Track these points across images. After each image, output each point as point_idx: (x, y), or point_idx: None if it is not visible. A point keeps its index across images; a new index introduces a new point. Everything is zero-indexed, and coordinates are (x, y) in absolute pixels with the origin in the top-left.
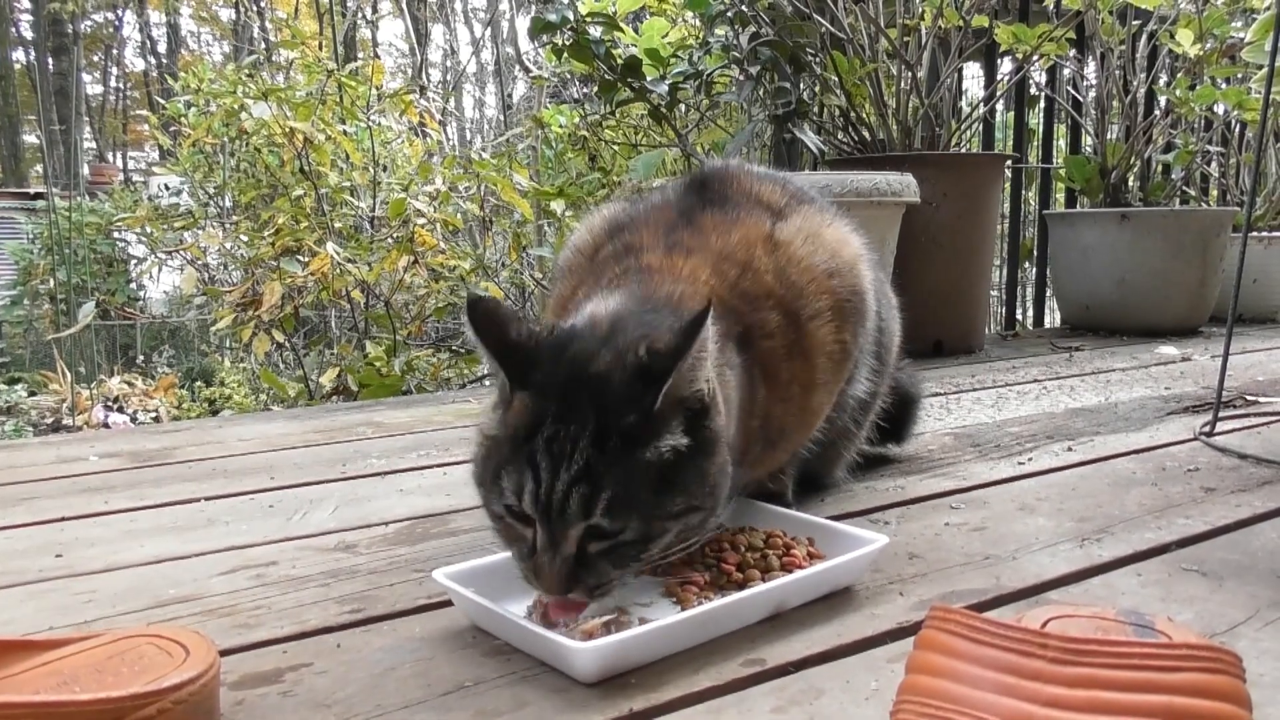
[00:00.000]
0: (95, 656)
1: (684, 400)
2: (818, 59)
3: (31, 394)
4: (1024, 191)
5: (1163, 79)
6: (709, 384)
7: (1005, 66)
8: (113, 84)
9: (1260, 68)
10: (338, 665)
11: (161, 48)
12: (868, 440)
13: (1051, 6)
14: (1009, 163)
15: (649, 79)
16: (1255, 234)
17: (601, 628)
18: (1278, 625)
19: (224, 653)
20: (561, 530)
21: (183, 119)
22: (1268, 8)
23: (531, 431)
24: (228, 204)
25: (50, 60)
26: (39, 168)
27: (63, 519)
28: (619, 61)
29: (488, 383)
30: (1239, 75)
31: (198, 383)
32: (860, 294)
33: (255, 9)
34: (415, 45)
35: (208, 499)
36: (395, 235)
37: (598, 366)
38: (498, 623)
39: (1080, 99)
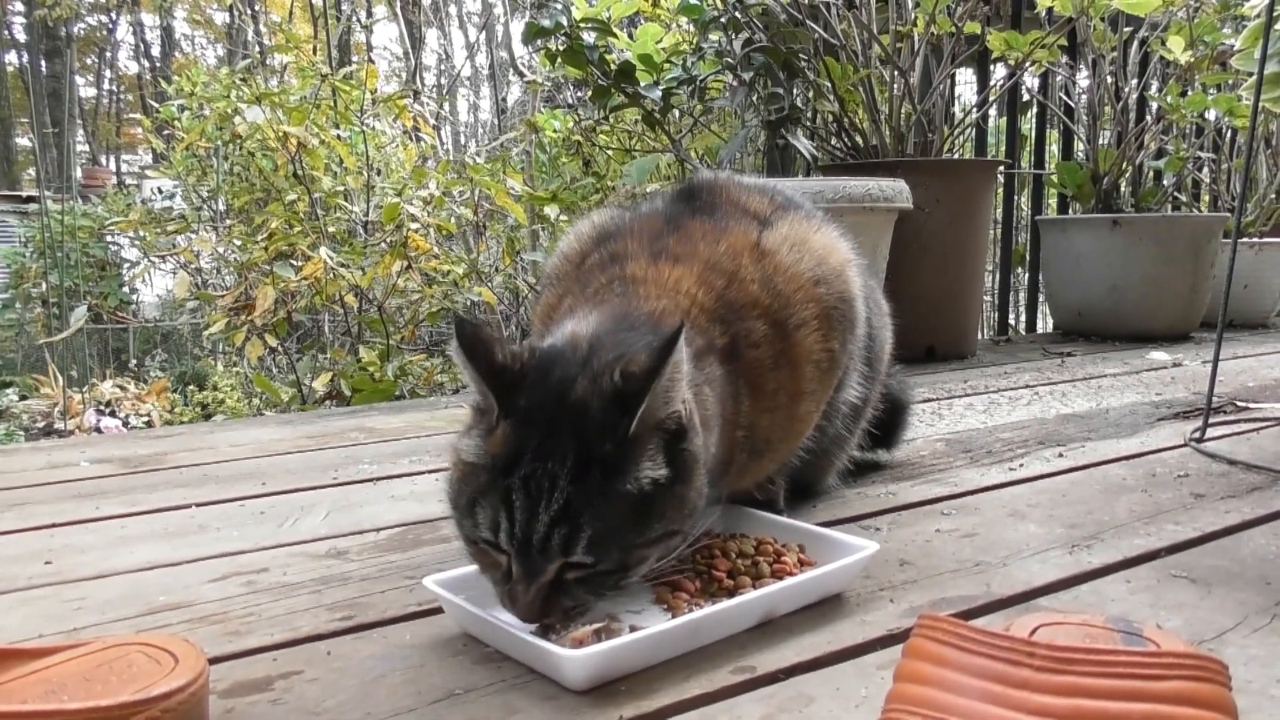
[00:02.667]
0: (84, 665)
1: (660, 423)
2: (811, 65)
3: (23, 398)
4: (1016, 197)
5: (1154, 85)
6: (685, 405)
7: (998, 73)
8: (106, 87)
9: (1250, 75)
10: (328, 673)
11: (155, 51)
12: (859, 446)
13: (1043, 13)
14: (1001, 169)
15: (643, 84)
16: (1246, 240)
17: (592, 635)
18: (1265, 632)
19: (214, 660)
20: (540, 565)
21: (176, 123)
22: (1257, 15)
23: (510, 465)
24: (221, 208)
25: (43, 63)
26: (32, 170)
27: (53, 525)
28: (613, 67)
29: None
30: (1229, 82)
31: (190, 387)
32: (848, 301)
33: (250, 13)
34: (410, 49)
35: (199, 505)
36: (389, 240)
37: (576, 394)
38: (488, 630)
39: (1072, 105)
